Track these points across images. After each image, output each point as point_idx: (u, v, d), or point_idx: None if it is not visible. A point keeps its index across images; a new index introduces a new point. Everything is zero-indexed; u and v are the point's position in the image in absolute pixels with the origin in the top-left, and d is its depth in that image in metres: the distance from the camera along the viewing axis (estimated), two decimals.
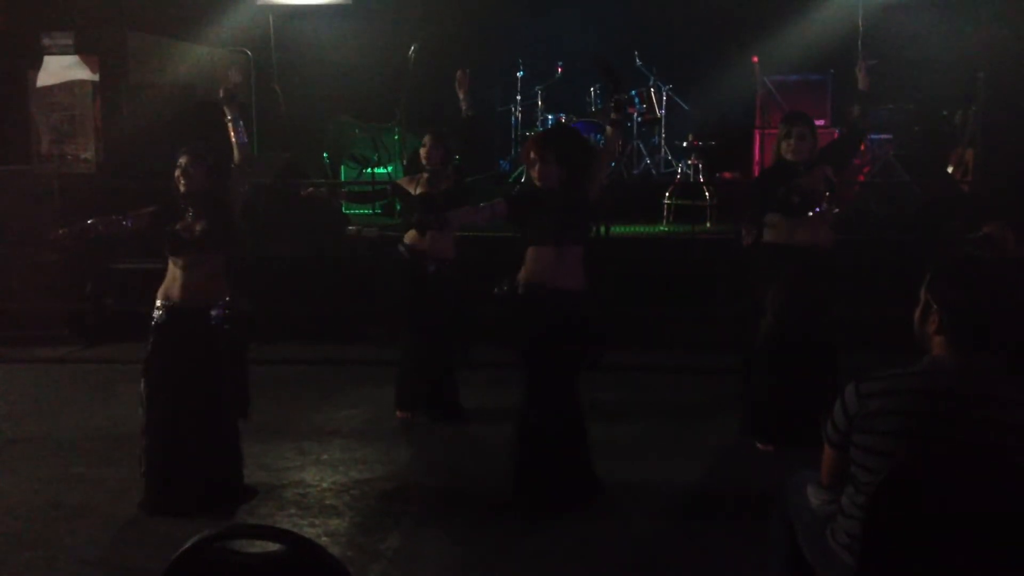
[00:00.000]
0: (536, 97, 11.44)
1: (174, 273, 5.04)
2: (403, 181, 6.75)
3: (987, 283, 2.74)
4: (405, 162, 10.60)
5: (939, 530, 2.61)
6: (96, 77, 10.18)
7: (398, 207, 10.10)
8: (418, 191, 6.46)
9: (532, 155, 5.10)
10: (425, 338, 6.49)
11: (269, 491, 5.31)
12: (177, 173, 5.05)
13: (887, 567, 2.68)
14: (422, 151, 6.48)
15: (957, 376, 2.73)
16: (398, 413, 6.61)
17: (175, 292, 5.02)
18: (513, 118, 11.58)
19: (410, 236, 6.47)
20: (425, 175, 6.49)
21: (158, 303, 5.05)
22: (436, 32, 11.13)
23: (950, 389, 2.71)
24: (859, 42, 10.64)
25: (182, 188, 5.06)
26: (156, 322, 5.04)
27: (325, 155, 11.67)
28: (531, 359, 5.05)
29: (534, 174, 5.11)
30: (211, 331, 5.04)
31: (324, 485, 5.44)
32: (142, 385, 5.04)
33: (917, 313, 2.83)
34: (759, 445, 5.94)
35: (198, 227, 5.01)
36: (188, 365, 4.99)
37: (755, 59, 10.71)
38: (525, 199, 5.26)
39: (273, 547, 2.13)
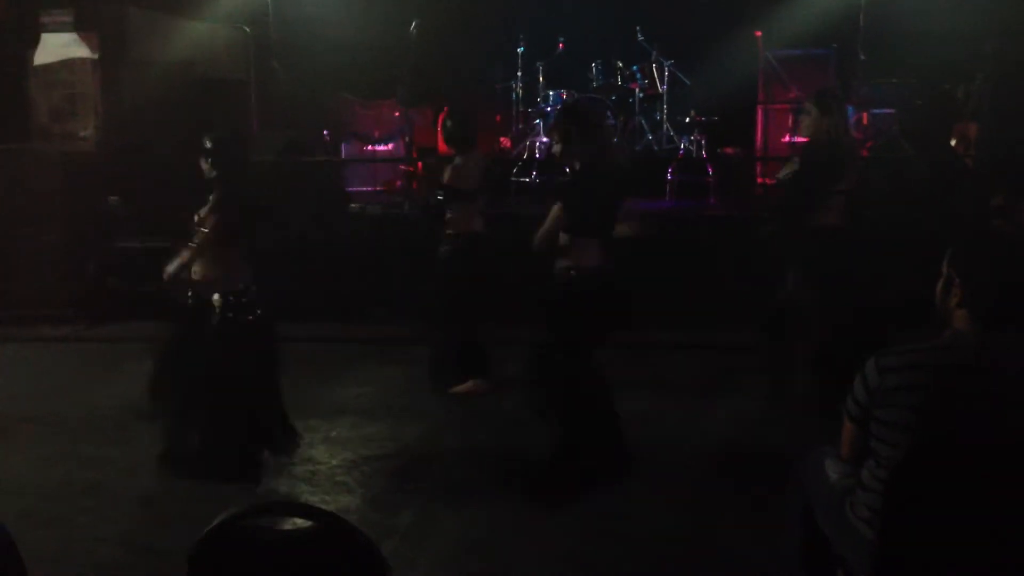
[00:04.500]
0: (537, 73, 11.38)
1: (196, 255, 5.09)
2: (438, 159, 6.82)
3: (1009, 256, 2.74)
4: (408, 139, 10.59)
5: (960, 505, 2.61)
6: (95, 55, 10.10)
7: None
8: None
9: (558, 132, 5.11)
10: (453, 313, 6.51)
11: (279, 469, 5.33)
12: (200, 161, 5.13)
13: (907, 541, 2.68)
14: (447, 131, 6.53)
15: (979, 350, 2.72)
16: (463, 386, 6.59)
17: (199, 273, 5.09)
18: (514, 94, 11.52)
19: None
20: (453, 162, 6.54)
21: (186, 285, 5.13)
22: (436, 8, 11.05)
23: (972, 363, 2.71)
24: (861, 15, 10.58)
25: (205, 174, 5.13)
26: (184, 304, 5.12)
27: (326, 132, 11.62)
28: (574, 335, 5.07)
29: (556, 152, 5.13)
30: (235, 311, 5.08)
31: (334, 462, 5.45)
32: (165, 368, 5.12)
33: (939, 287, 2.82)
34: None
35: (219, 210, 5.05)
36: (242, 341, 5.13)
37: (758, 34, 10.66)
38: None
39: (299, 524, 2.13)
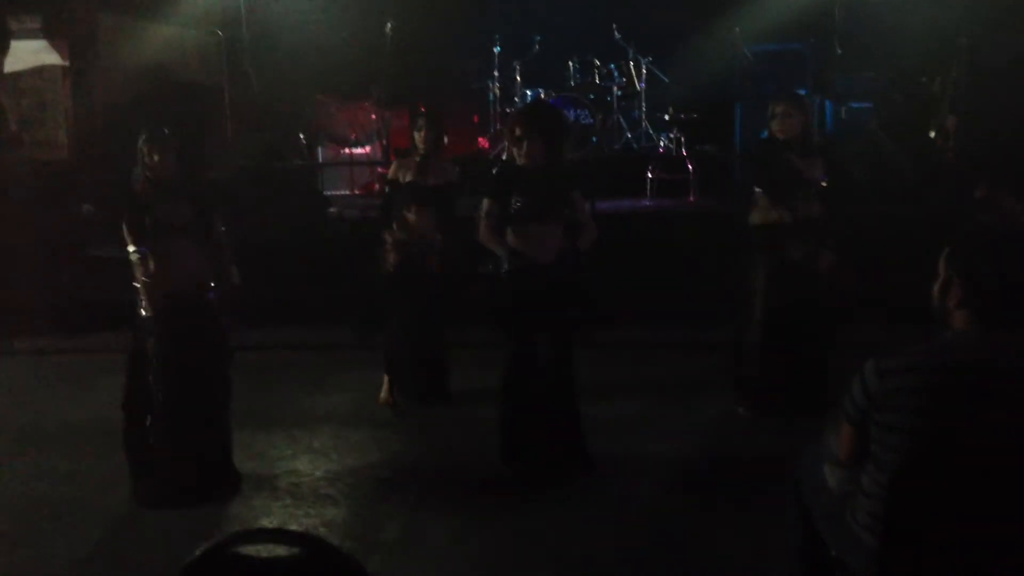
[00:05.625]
0: (514, 72, 11.29)
1: (163, 259, 4.86)
2: (392, 168, 6.59)
3: (1010, 254, 2.67)
4: (385, 142, 10.48)
5: (964, 509, 2.55)
6: (66, 62, 9.96)
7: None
8: (407, 178, 6.31)
9: (518, 132, 5.04)
10: (414, 322, 6.39)
11: (262, 481, 5.21)
12: (145, 161, 4.91)
13: (911, 547, 2.62)
14: (417, 135, 6.32)
15: (981, 351, 2.65)
16: (386, 398, 6.49)
17: (167, 278, 4.86)
18: (491, 94, 11.42)
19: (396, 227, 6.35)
20: (416, 159, 6.34)
21: (149, 291, 4.87)
22: (410, 8, 10.95)
23: (974, 364, 2.64)
24: (836, 10, 10.57)
25: (150, 175, 4.92)
26: (154, 310, 4.85)
27: (301, 135, 11.50)
28: (514, 330, 5.09)
29: (520, 151, 5.04)
30: (209, 314, 4.93)
31: (318, 474, 5.34)
32: (143, 375, 4.92)
33: (936, 287, 2.75)
34: (740, 411, 6.03)
35: (184, 211, 4.89)
36: (190, 351, 4.87)
37: (735, 30, 10.62)
38: (504, 184, 5.19)
39: (286, 551, 2.04)
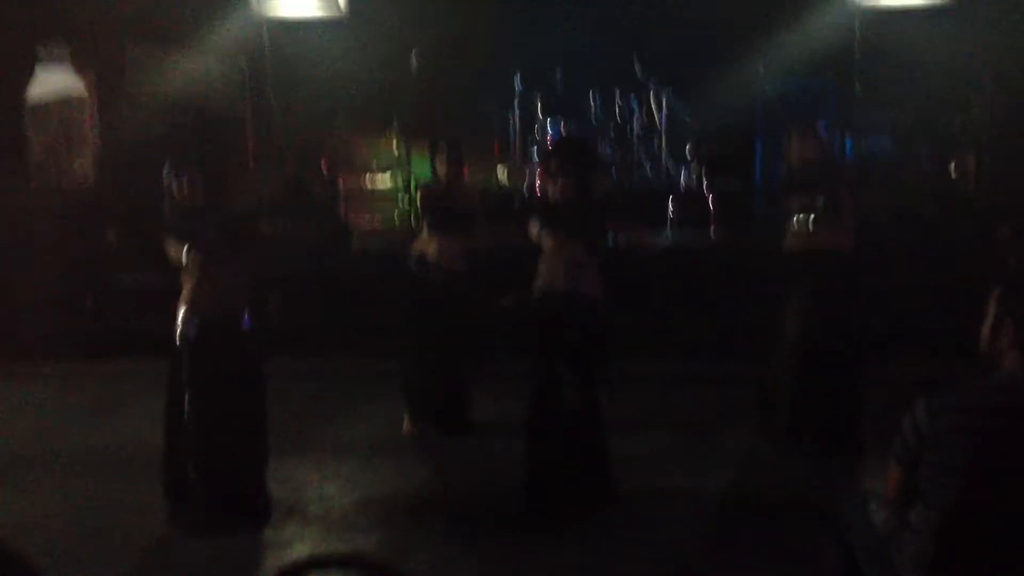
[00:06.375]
0: (535, 105, 11.36)
1: (200, 283, 4.89)
2: (417, 197, 6.68)
3: None
4: (407, 172, 10.54)
5: (1013, 548, 2.57)
6: (92, 90, 10.07)
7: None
8: (430, 206, 6.41)
9: (553, 167, 5.12)
10: (432, 349, 6.42)
11: (291, 508, 5.22)
12: (175, 190, 4.97)
13: None
14: (438, 164, 6.40)
15: None
16: (410, 428, 6.52)
17: (204, 303, 4.89)
18: (512, 125, 11.50)
19: (418, 246, 6.42)
20: (437, 188, 6.43)
21: (187, 315, 4.91)
22: (432, 41, 11.04)
23: None
24: (856, 48, 10.64)
25: (179, 202, 4.99)
26: (190, 335, 4.89)
27: (323, 165, 11.56)
28: (541, 360, 5.10)
29: (555, 186, 5.11)
30: (245, 339, 4.96)
31: (346, 501, 5.36)
32: (177, 401, 4.93)
33: (986, 327, 2.77)
34: (767, 446, 6.02)
35: (217, 237, 4.94)
36: (224, 378, 4.90)
37: (757, 67, 10.70)
38: (543, 211, 5.24)
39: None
